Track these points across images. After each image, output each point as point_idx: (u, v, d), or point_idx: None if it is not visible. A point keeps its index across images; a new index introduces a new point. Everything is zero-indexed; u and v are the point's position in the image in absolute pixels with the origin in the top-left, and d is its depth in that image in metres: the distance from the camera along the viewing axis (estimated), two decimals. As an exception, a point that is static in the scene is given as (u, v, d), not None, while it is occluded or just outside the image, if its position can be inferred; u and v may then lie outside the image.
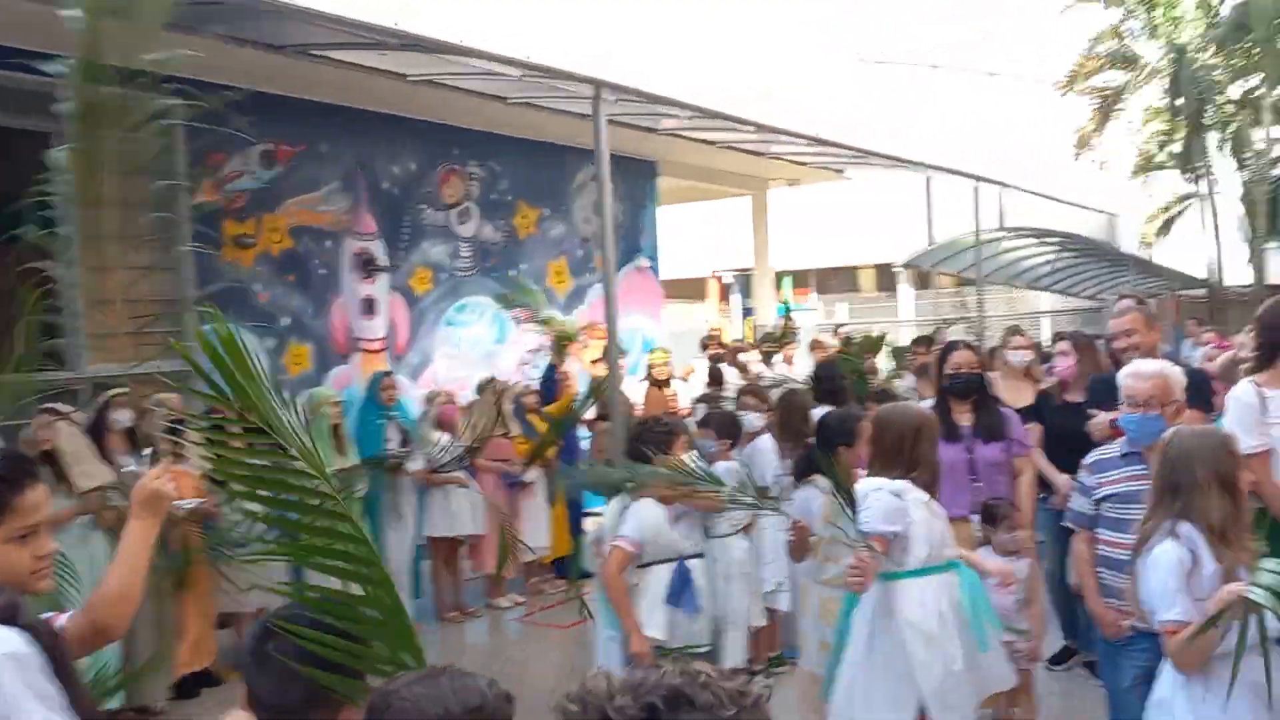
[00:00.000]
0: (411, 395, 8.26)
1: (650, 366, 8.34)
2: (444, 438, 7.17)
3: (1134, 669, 3.53)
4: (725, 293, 26.67)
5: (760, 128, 7.42)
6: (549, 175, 10.62)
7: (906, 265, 14.80)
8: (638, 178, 11.15)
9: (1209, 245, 16.55)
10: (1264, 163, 15.77)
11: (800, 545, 4.69)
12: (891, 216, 24.19)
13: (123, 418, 5.59)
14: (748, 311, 22.73)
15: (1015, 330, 6.37)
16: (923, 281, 28.17)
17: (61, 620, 2.07)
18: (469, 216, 9.76)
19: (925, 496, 3.60)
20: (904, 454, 3.75)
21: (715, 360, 9.14)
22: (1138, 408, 3.57)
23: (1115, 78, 16.58)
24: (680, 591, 4.43)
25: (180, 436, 5.64)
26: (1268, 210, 15.79)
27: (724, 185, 13.39)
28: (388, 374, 7.38)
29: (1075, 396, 5.26)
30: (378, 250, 8.90)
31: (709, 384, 7.77)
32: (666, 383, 8.23)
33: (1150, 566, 2.92)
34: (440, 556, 7.28)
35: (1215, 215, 16.34)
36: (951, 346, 5.73)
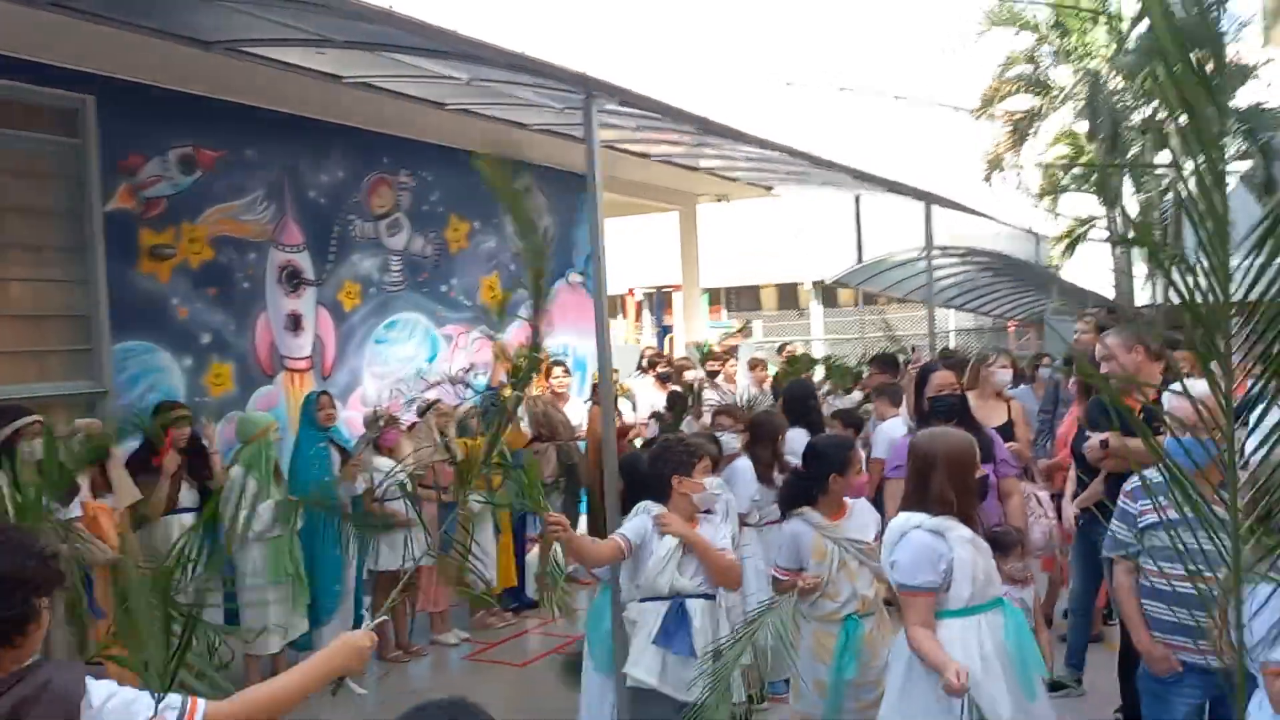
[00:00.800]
0: (341, 417, 7.74)
1: (595, 386, 8.00)
2: (386, 463, 6.70)
3: (1184, 706, 3.36)
4: (640, 310, 26.44)
5: (764, 144, 7.06)
6: (480, 187, 10.14)
7: (839, 283, 14.82)
8: (569, 190, 10.78)
9: (1114, 266, 17.06)
10: (1165, 185, 16.33)
11: (788, 588, 4.38)
12: (803, 236, 24.43)
13: (35, 449, 4.97)
14: (665, 329, 22.54)
15: (997, 350, 6.27)
16: (830, 299, 28.55)
17: (202, 704, 2.08)
18: (399, 228, 9.27)
19: (968, 533, 3.37)
20: (922, 488, 3.53)
21: (664, 379, 8.85)
22: (1184, 430, 3.41)
23: (1028, 102, 16.97)
24: (673, 633, 4.10)
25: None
26: (1173, 232, 16.35)
27: (654, 200, 13.15)
28: (324, 393, 6.88)
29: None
30: (304, 263, 8.35)
31: (668, 408, 7.46)
32: (615, 402, 7.88)
33: (1252, 604, 2.73)
34: (384, 591, 6.78)
35: (1125, 237, 16.85)
36: (930, 368, 5.59)
